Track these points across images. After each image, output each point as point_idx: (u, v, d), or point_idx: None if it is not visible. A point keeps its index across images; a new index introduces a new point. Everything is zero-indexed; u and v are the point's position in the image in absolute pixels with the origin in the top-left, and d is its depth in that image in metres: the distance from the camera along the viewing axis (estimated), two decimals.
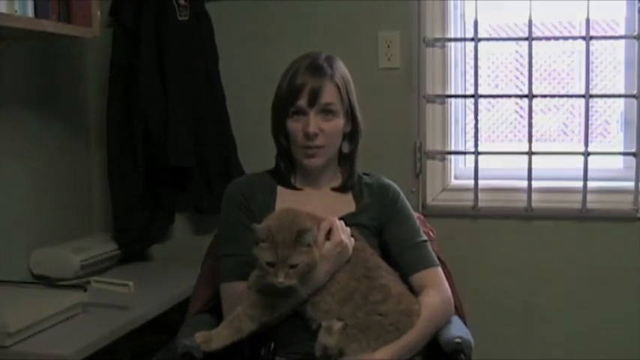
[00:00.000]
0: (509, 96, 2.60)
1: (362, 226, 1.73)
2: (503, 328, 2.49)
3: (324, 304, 1.58)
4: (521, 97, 2.52)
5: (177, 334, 1.68)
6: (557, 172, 2.53)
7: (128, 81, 2.50)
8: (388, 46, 2.50)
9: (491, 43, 2.57)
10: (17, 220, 2.31)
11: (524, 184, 2.46)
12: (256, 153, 2.18)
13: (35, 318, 1.81)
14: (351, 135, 1.80)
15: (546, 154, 2.50)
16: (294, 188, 1.80)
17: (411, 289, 1.70)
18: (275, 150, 1.81)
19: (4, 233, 2.25)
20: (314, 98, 1.69)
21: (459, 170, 2.61)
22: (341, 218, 1.66)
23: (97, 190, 2.71)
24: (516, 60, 2.59)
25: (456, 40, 2.53)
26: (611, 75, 2.51)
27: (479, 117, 2.47)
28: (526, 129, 2.46)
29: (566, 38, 2.55)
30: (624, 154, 2.46)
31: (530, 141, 2.44)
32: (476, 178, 2.47)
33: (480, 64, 2.45)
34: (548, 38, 2.53)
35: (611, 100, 2.53)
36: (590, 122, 2.42)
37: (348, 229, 1.64)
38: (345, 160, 1.82)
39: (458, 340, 1.62)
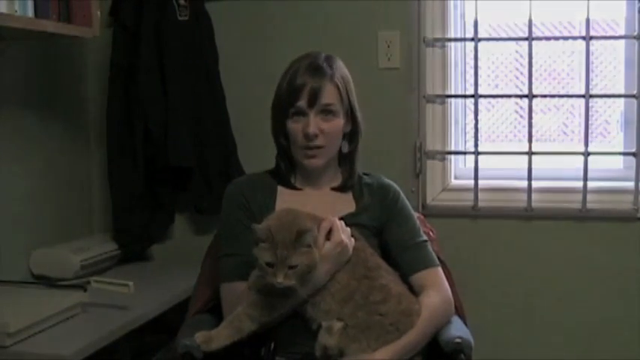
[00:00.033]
0: (509, 96, 2.60)
1: (362, 226, 1.73)
2: (503, 328, 2.49)
3: (324, 304, 1.58)
4: (521, 97, 2.52)
5: (177, 334, 1.68)
6: (557, 172, 2.52)
7: (128, 81, 2.49)
8: (388, 46, 2.50)
9: (491, 43, 2.57)
10: (17, 220, 2.31)
11: (524, 184, 2.46)
12: (256, 153, 2.18)
13: (35, 318, 1.81)
14: (351, 135, 1.80)
15: (546, 154, 2.49)
16: (295, 188, 1.80)
17: (411, 289, 1.70)
18: (275, 150, 1.81)
19: (4, 233, 2.24)
20: (314, 99, 1.69)
21: (459, 170, 2.61)
22: (341, 218, 1.66)
23: (97, 190, 2.71)
24: (516, 60, 2.58)
25: (456, 40, 2.53)
26: (611, 75, 2.51)
27: (479, 117, 2.47)
28: (526, 129, 2.46)
29: (566, 38, 2.55)
30: (624, 154, 2.46)
31: (530, 141, 2.44)
32: (476, 178, 2.47)
33: (479, 64, 2.45)
34: (548, 38, 2.53)
35: (611, 100, 2.53)
36: (590, 122, 2.42)
37: (348, 229, 1.64)
38: (345, 160, 1.82)
39: (458, 340, 1.62)
